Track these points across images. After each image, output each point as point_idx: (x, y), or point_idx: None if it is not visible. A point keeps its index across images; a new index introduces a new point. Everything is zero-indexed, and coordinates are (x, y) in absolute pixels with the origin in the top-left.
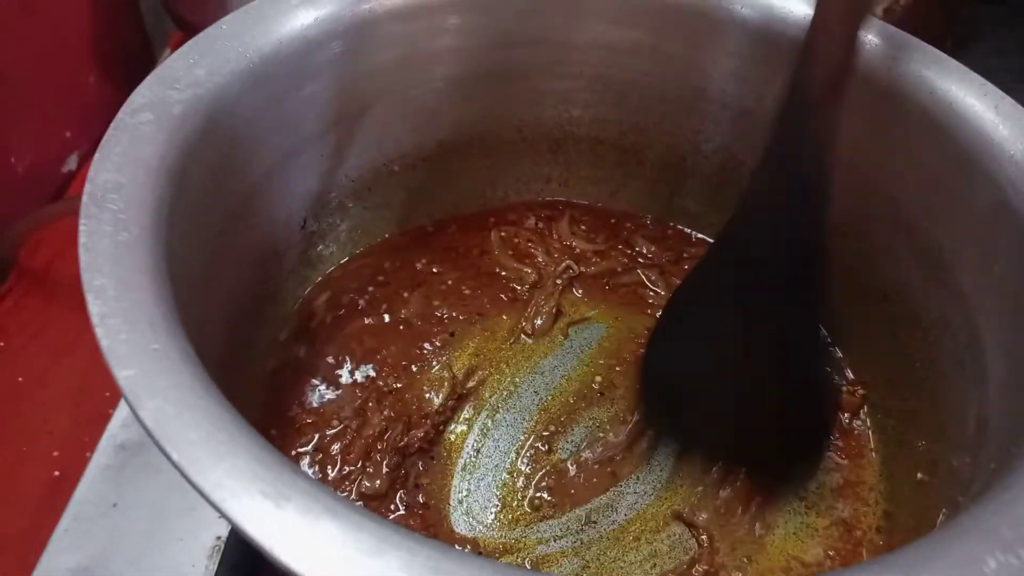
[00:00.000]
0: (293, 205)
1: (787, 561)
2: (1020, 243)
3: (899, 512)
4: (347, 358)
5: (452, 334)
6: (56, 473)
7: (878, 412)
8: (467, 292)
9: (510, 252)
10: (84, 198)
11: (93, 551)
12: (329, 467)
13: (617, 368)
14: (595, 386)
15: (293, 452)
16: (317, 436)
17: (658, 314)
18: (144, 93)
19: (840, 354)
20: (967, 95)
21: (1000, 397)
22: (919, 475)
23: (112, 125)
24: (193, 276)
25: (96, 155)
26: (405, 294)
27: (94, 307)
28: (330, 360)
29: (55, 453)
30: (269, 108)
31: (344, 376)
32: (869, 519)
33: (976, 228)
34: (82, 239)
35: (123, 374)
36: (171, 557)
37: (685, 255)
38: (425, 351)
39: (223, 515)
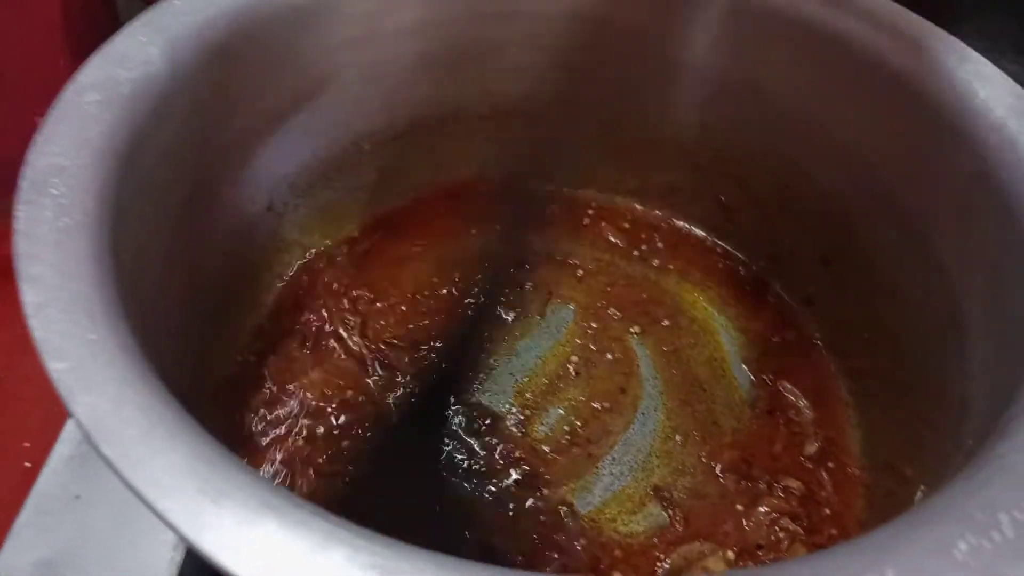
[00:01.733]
0: (257, 187)
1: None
2: (999, 213)
3: (877, 487)
4: (327, 340)
5: (435, 316)
6: (27, 464)
7: (857, 382)
8: (444, 274)
9: (488, 232)
10: (23, 183)
11: (56, 545)
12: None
13: (592, 347)
14: (571, 367)
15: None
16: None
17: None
18: (91, 72)
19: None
20: (945, 59)
21: (982, 373)
22: (899, 446)
23: (55, 105)
24: (147, 264)
25: (37, 137)
26: (382, 277)
27: (28, 296)
28: (304, 344)
29: (26, 444)
30: (226, 87)
31: (325, 360)
32: (847, 493)
33: (954, 197)
34: (19, 225)
35: (56, 367)
36: (137, 550)
37: (657, 237)
38: (407, 331)
39: (156, 514)
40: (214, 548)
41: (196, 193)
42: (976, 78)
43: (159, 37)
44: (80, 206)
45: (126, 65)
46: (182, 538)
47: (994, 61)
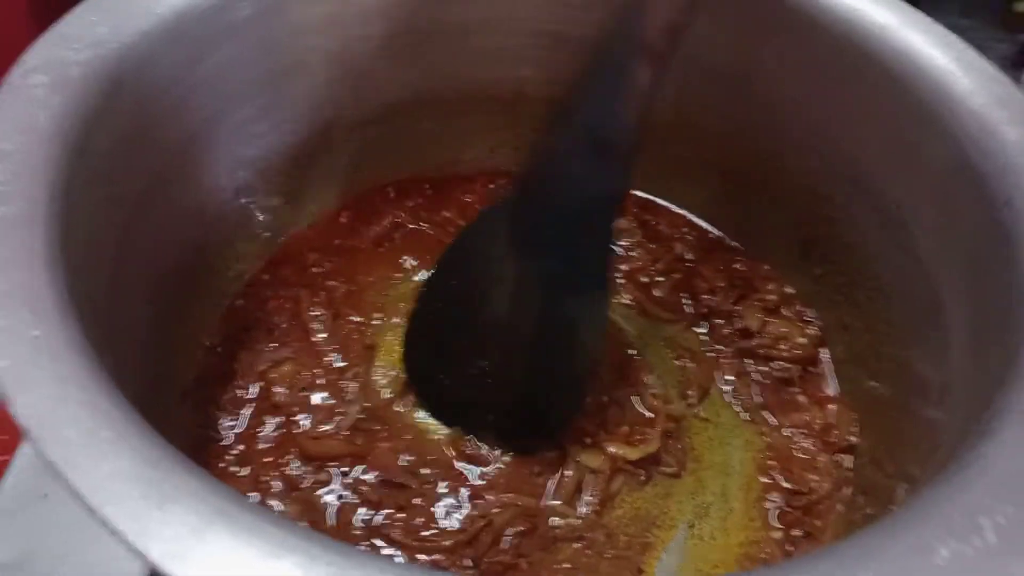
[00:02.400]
0: (223, 174)
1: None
2: (979, 203)
3: (861, 481)
4: (297, 330)
5: (409, 303)
6: (3, 458)
7: (839, 371)
8: (420, 260)
9: (465, 218)
10: None
11: (22, 545)
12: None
13: None
14: None
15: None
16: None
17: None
18: (38, 53)
19: (798, 310)
20: (928, 46)
21: (962, 366)
22: (880, 440)
23: (0, 89)
24: (100, 256)
25: None
26: (353, 264)
27: None
28: (274, 335)
29: (4, 436)
30: (185, 69)
31: (295, 351)
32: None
33: (935, 187)
34: None
35: None
36: (104, 551)
37: (653, 221)
38: (378, 323)
39: (100, 521)
40: (160, 557)
41: (155, 181)
42: (958, 65)
43: (111, 18)
44: (24, 194)
45: (75, 47)
46: (127, 546)
47: (977, 42)
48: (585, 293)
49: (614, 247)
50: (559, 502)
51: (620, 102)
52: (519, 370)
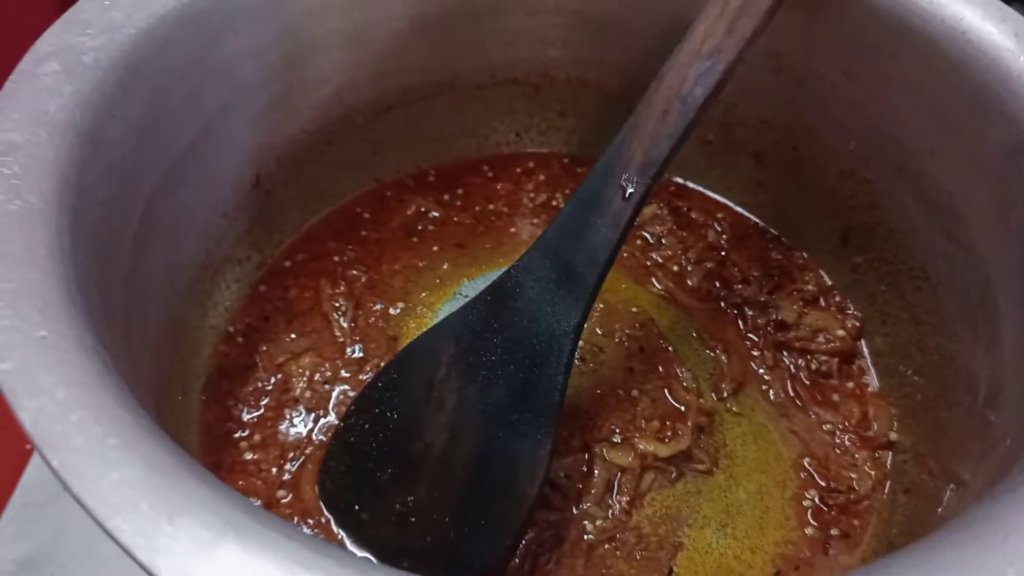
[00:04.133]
0: (242, 162)
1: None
2: None
3: (902, 479)
4: (319, 321)
5: (434, 292)
6: (28, 447)
7: (879, 365)
8: (450, 250)
9: (490, 207)
10: None
11: (40, 540)
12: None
13: (598, 328)
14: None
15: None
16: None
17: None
18: (50, 40)
19: (837, 300)
20: (983, 21)
21: (1016, 362)
22: (924, 437)
23: (11, 78)
24: (114, 250)
25: None
26: (376, 257)
27: None
28: (294, 326)
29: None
30: (201, 54)
31: (317, 343)
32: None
33: (990, 174)
34: None
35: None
36: None
37: (685, 208)
38: (400, 313)
39: (109, 535)
40: (169, 574)
41: (172, 171)
42: (1016, 41)
43: (126, 2)
44: (35, 188)
45: (89, 32)
46: (135, 561)
47: None
48: (527, 435)
49: (562, 398)
50: (590, 504)
51: (595, 237)
52: (447, 509)
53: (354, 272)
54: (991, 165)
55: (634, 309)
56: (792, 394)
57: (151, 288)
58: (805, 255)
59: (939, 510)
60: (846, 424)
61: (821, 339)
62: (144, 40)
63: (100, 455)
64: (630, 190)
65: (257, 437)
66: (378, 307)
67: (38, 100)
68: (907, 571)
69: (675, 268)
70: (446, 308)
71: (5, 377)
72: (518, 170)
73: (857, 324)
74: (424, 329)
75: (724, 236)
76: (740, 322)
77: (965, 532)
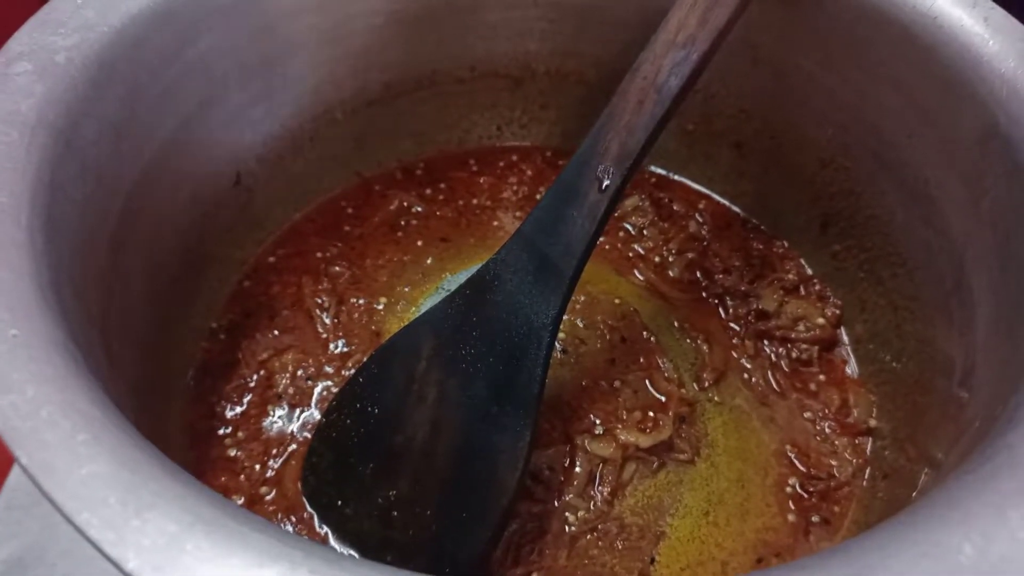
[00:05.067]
0: (222, 159)
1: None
2: (1010, 176)
3: (881, 465)
4: (302, 318)
5: (417, 287)
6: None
7: (857, 349)
8: (433, 244)
9: (474, 201)
10: None
11: (27, 541)
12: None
13: (581, 322)
14: (557, 344)
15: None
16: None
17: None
18: (22, 40)
19: (817, 289)
20: (953, 6)
21: (988, 345)
22: (903, 421)
23: None
24: (90, 249)
25: None
26: (359, 252)
27: None
28: (277, 322)
29: None
30: (177, 52)
31: (300, 339)
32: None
33: (963, 158)
34: None
35: None
36: None
37: (666, 199)
38: (384, 308)
39: (77, 530)
40: (138, 569)
41: (150, 169)
42: (985, 26)
43: (99, 0)
44: (6, 187)
45: (61, 31)
46: (104, 556)
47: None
48: (508, 427)
49: (541, 390)
50: (572, 495)
51: (572, 229)
52: (429, 502)
53: (337, 268)
54: (963, 150)
55: (616, 300)
56: (773, 383)
57: (131, 286)
58: (785, 244)
59: (914, 494)
60: (826, 411)
61: (801, 327)
62: (117, 38)
63: (70, 450)
64: (606, 182)
65: (240, 434)
66: (361, 302)
67: (11, 99)
68: (868, 553)
69: (657, 259)
70: (429, 302)
71: None
72: (501, 164)
73: (837, 312)
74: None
75: (705, 227)
76: (721, 312)
77: (928, 511)
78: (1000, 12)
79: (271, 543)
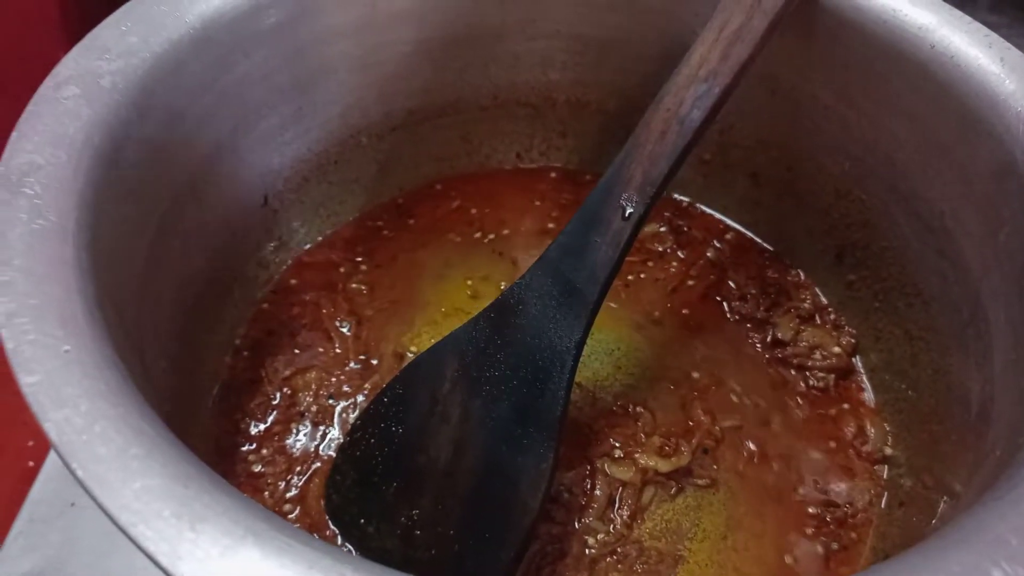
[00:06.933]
0: (251, 182)
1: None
2: None
3: (897, 493)
4: (324, 337)
5: (436, 308)
6: (30, 463)
7: (872, 380)
8: (452, 268)
9: (495, 225)
10: None
11: (49, 554)
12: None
13: (600, 336)
14: None
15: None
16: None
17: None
18: (70, 64)
19: (832, 318)
20: (969, 46)
21: (1006, 376)
22: (918, 450)
23: (32, 100)
24: (128, 266)
25: (13, 134)
26: (382, 272)
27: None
28: (299, 341)
29: (30, 443)
30: (214, 77)
31: (322, 358)
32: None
33: (979, 192)
34: None
35: (27, 380)
36: (130, 560)
37: (685, 226)
38: (404, 329)
39: (132, 542)
40: None
41: (184, 191)
42: (1002, 66)
43: (142, 26)
44: (56, 207)
45: (107, 56)
46: (158, 567)
47: (1007, 40)
48: (530, 449)
49: (564, 413)
50: (592, 518)
51: (596, 255)
52: (451, 522)
53: (358, 287)
54: (980, 185)
55: (635, 326)
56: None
57: (161, 303)
58: (801, 273)
59: (933, 521)
60: (844, 440)
61: (817, 356)
62: (159, 64)
63: (123, 464)
64: (629, 210)
65: (265, 451)
66: (382, 324)
67: (59, 123)
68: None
69: (673, 286)
70: (450, 324)
71: (31, 390)
72: (520, 187)
73: (852, 341)
74: (428, 345)
75: (723, 254)
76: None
77: (955, 536)
78: (1016, 53)
79: (321, 556)
